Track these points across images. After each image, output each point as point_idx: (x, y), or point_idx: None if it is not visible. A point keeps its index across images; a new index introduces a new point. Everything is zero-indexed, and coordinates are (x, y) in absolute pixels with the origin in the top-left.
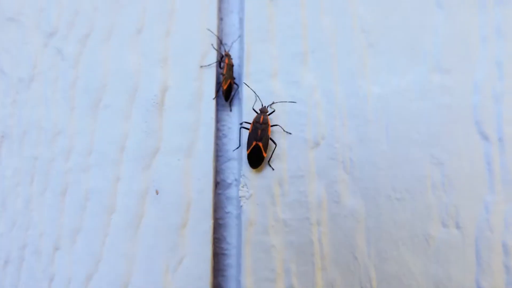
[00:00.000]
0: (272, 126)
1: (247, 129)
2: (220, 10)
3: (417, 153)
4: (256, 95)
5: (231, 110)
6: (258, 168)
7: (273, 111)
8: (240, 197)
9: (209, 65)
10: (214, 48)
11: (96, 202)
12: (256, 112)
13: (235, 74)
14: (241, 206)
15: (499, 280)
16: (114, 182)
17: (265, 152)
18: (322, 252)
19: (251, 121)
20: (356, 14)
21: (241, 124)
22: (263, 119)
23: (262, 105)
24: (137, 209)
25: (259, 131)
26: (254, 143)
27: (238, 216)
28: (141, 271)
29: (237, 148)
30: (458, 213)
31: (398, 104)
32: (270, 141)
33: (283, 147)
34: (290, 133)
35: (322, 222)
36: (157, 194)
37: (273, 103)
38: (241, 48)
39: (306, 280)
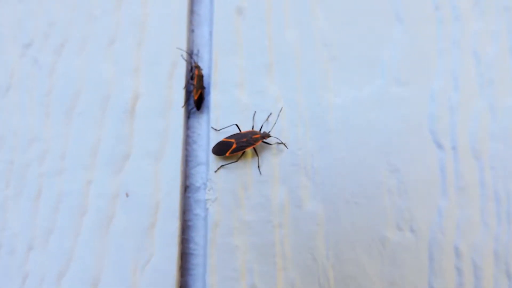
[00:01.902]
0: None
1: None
2: (191, 22)
3: (374, 160)
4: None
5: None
6: (217, 157)
7: (269, 144)
8: (206, 199)
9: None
10: (183, 59)
11: (68, 204)
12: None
13: (205, 84)
14: (207, 208)
15: (450, 282)
16: (86, 185)
17: (230, 153)
18: (283, 253)
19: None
20: (318, 29)
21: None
22: (257, 137)
23: (267, 132)
24: (108, 210)
25: (245, 139)
26: (233, 140)
27: (206, 218)
28: (111, 269)
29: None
30: (413, 217)
31: (357, 114)
32: (248, 150)
33: (248, 153)
34: (287, 148)
35: (284, 225)
36: (127, 196)
37: (269, 132)
38: (210, 59)
39: (267, 280)
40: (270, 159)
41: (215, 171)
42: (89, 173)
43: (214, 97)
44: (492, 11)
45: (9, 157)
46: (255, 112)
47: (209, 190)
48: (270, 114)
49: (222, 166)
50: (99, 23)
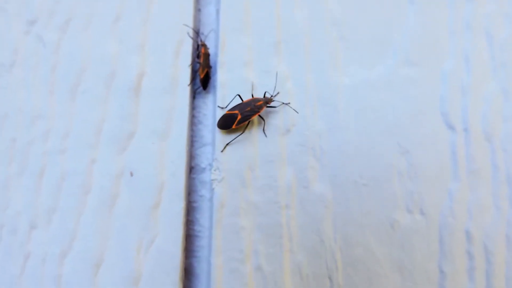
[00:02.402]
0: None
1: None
2: (198, 0)
3: (384, 142)
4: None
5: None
6: (223, 131)
7: (274, 107)
8: (212, 180)
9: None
10: (190, 37)
11: (72, 183)
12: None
13: (212, 63)
14: (213, 188)
15: (460, 266)
16: (90, 164)
17: (236, 125)
18: (290, 234)
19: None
20: (328, 8)
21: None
22: (260, 104)
23: (270, 95)
24: (112, 190)
25: (249, 108)
26: (236, 111)
27: (211, 199)
28: (114, 249)
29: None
30: (423, 200)
31: (367, 95)
32: (254, 118)
33: (255, 133)
34: (297, 112)
35: (291, 206)
36: (131, 176)
37: (272, 96)
38: (217, 38)
39: (273, 261)
40: (277, 139)
41: (222, 151)
42: (93, 152)
43: (221, 76)
44: None
45: (13, 135)
46: (252, 82)
47: (215, 170)
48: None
49: (228, 144)
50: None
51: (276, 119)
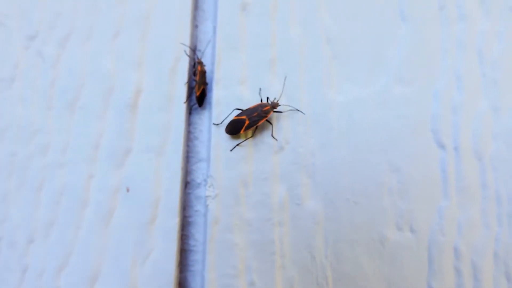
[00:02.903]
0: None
1: (239, 110)
2: (195, 17)
3: (375, 160)
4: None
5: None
6: (234, 136)
7: (281, 112)
8: (206, 196)
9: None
10: (186, 54)
11: (70, 197)
12: (262, 101)
13: (208, 79)
14: (207, 205)
15: (449, 282)
16: (88, 179)
17: (244, 130)
18: (282, 251)
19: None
20: (322, 26)
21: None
22: (267, 109)
23: (275, 99)
24: (109, 205)
25: (256, 114)
26: (244, 116)
27: (206, 215)
28: (111, 263)
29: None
30: (413, 217)
31: (359, 113)
32: (263, 123)
33: (249, 151)
34: (303, 113)
35: (283, 223)
36: (128, 191)
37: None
38: (213, 55)
39: (266, 277)
40: (270, 157)
41: (231, 150)
42: (91, 167)
43: (217, 93)
44: (497, 11)
45: (12, 149)
46: (260, 89)
47: (209, 187)
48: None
49: (238, 144)
50: (104, 16)
51: (270, 137)
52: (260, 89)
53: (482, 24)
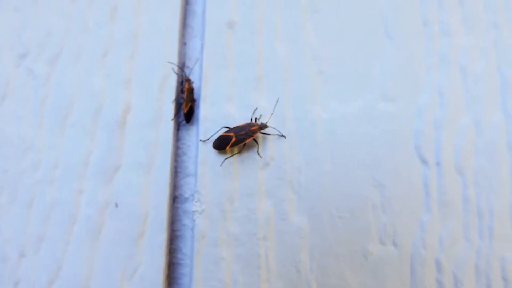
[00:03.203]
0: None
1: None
2: (183, 35)
3: (359, 175)
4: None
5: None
6: (220, 152)
7: (268, 134)
8: (193, 211)
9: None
10: (174, 72)
11: (60, 213)
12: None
13: (196, 96)
14: (194, 220)
15: None
16: (78, 195)
17: (230, 147)
18: (267, 265)
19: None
20: (308, 43)
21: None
22: (255, 129)
23: (264, 122)
24: (98, 220)
25: (244, 132)
26: (232, 133)
27: (193, 229)
28: (99, 277)
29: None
30: (396, 231)
31: (344, 129)
32: (249, 142)
33: (235, 167)
34: (284, 136)
35: (269, 238)
36: (116, 207)
37: (267, 122)
38: (201, 72)
39: None
40: (256, 173)
41: (220, 165)
42: (81, 183)
43: (204, 110)
44: (481, 28)
45: (4, 165)
46: (256, 108)
47: (196, 202)
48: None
49: (226, 158)
50: (93, 35)
51: (256, 154)
52: (256, 108)
53: (465, 40)
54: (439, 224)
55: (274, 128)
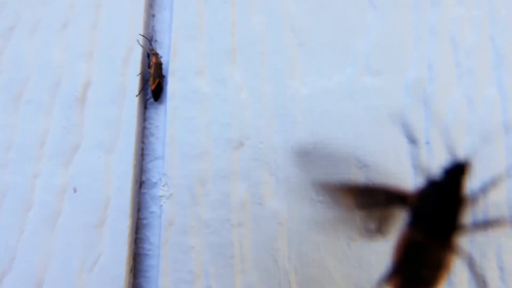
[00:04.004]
0: None
1: None
2: (151, 6)
3: (342, 156)
4: None
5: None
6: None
7: None
8: (160, 196)
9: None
10: (140, 44)
11: (13, 198)
12: None
13: (165, 72)
14: (161, 205)
15: None
16: (33, 178)
17: None
18: (242, 254)
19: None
20: (286, 13)
21: None
22: None
23: None
24: (55, 206)
25: None
26: None
27: (161, 216)
28: (56, 269)
29: None
30: None
31: (325, 105)
32: None
33: (207, 146)
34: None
35: (243, 224)
36: (75, 191)
37: None
38: (170, 46)
39: (224, 283)
40: (229, 153)
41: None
42: (36, 166)
43: (172, 86)
44: None
45: None
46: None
47: (163, 186)
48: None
49: None
50: (52, 5)
51: (229, 132)
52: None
53: (457, 9)
54: None
55: None
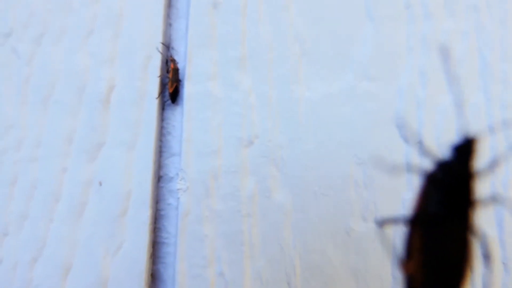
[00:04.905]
0: None
1: None
2: (168, 15)
3: (342, 153)
4: None
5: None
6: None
7: None
8: (177, 189)
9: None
10: (159, 51)
11: (43, 191)
12: None
13: (181, 77)
14: (178, 198)
15: None
16: (61, 173)
17: None
18: (251, 242)
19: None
20: (291, 24)
21: None
22: None
23: None
24: (81, 198)
25: None
26: None
27: (177, 208)
28: (82, 255)
29: None
30: (378, 208)
31: (327, 108)
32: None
33: (219, 144)
34: None
35: (252, 214)
36: (100, 185)
37: None
38: (186, 53)
39: (235, 267)
40: (240, 151)
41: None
42: (64, 161)
43: (188, 89)
44: (462, 10)
45: None
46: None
47: (180, 180)
48: None
49: None
50: (77, 15)
51: (240, 131)
52: None
53: (447, 22)
54: None
55: None
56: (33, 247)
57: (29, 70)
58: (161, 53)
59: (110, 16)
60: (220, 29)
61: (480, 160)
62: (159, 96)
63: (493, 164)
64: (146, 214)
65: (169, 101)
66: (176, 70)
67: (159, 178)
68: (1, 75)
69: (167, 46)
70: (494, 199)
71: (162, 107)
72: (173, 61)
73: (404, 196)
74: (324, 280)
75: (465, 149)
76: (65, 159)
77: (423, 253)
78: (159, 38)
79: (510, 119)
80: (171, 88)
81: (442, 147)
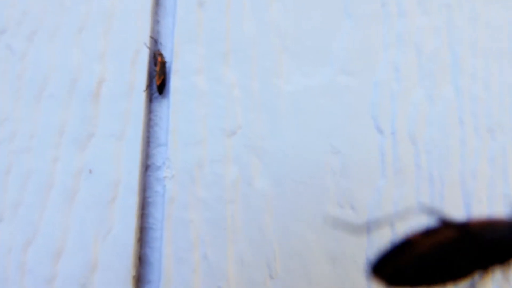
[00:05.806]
0: None
1: None
2: (156, 13)
3: (319, 143)
4: None
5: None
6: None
7: None
8: (164, 177)
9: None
10: (147, 47)
11: (36, 180)
12: None
13: (167, 71)
14: (165, 185)
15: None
16: (53, 162)
17: None
18: (233, 227)
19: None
20: (273, 21)
21: None
22: None
23: None
24: (72, 186)
25: None
26: None
27: (164, 195)
28: (74, 239)
29: None
30: (353, 196)
31: (306, 101)
32: None
33: (204, 134)
34: None
35: (235, 201)
36: (90, 173)
37: None
38: (173, 48)
39: (218, 250)
40: (224, 140)
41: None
42: (56, 151)
43: (175, 83)
44: (435, 8)
45: None
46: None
47: (167, 168)
48: None
49: None
50: (70, 12)
51: (224, 123)
52: None
53: (420, 19)
54: (393, 188)
55: None
56: (26, 233)
57: (23, 66)
58: (149, 48)
59: (101, 13)
60: (205, 26)
61: None
62: (146, 89)
63: None
64: (134, 201)
65: (157, 94)
66: (163, 64)
67: (146, 167)
68: None
69: (155, 40)
70: None
71: (150, 100)
72: (161, 55)
73: (378, 184)
74: (302, 263)
75: None
76: (57, 149)
77: None
78: (147, 34)
79: (478, 111)
80: (159, 81)
81: (413, 138)
